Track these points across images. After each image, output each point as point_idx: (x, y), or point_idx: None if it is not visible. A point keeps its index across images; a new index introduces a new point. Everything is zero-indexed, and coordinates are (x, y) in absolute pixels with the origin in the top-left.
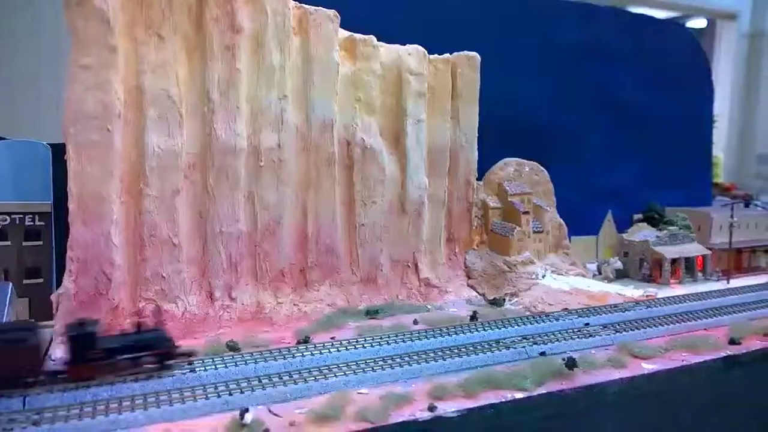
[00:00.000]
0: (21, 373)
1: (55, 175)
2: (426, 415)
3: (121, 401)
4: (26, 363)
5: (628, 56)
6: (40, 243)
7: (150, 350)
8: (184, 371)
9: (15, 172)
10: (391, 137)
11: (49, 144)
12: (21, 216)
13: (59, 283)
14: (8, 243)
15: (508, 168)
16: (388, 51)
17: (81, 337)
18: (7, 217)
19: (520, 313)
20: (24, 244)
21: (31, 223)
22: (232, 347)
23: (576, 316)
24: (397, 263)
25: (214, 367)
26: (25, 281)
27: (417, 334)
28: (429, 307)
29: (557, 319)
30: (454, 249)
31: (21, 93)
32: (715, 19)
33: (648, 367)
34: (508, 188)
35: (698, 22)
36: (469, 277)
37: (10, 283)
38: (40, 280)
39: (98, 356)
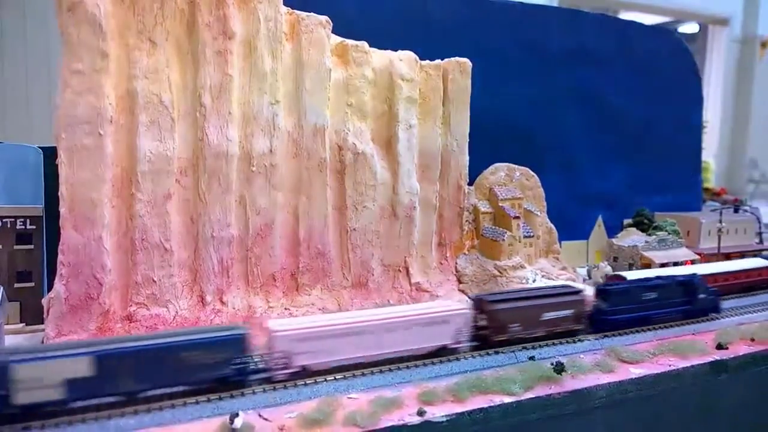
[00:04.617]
0: None
1: (47, 179)
2: (416, 419)
3: (112, 405)
4: None
5: (617, 62)
6: (31, 247)
7: None
8: None
9: (6, 175)
10: (382, 142)
11: (40, 147)
12: (12, 219)
13: (50, 287)
14: None
15: (498, 173)
16: (379, 57)
17: None
18: None
19: None
20: (15, 247)
21: (22, 227)
22: None
23: None
24: (388, 268)
25: None
26: (16, 285)
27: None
28: None
29: None
30: (445, 253)
31: (12, 96)
32: (707, 25)
33: (636, 371)
34: (498, 193)
35: (690, 27)
36: (459, 282)
37: (1, 287)
38: (31, 284)
39: None
